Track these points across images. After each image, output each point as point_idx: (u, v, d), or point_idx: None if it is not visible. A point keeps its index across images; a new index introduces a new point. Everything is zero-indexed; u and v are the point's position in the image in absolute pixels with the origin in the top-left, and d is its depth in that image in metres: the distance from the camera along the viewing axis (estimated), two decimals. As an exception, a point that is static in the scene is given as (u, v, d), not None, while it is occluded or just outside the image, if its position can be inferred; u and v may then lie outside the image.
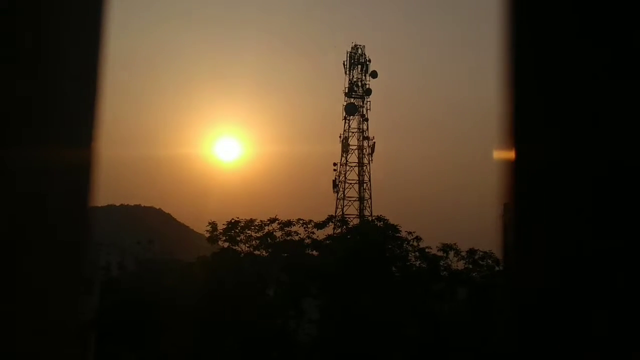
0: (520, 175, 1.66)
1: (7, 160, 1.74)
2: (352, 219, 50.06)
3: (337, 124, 64.41)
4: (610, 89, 1.69)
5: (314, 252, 34.34)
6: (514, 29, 1.75)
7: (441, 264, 33.10)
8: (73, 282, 1.84)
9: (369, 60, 62.52)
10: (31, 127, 1.75)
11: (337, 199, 61.02)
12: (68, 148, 1.71)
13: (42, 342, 2.08)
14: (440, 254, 33.12)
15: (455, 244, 33.17)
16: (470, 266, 32.69)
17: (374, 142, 62.14)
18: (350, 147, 62.11)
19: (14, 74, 1.87)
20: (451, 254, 32.96)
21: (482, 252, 32.81)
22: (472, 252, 32.77)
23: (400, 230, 34.15)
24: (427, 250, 33.49)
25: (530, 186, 1.67)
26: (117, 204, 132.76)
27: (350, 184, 61.65)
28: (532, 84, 1.72)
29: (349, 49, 62.53)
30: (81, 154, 1.75)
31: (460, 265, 33.05)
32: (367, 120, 62.10)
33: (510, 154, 1.67)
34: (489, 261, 32.81)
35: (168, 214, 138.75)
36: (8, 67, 1.87)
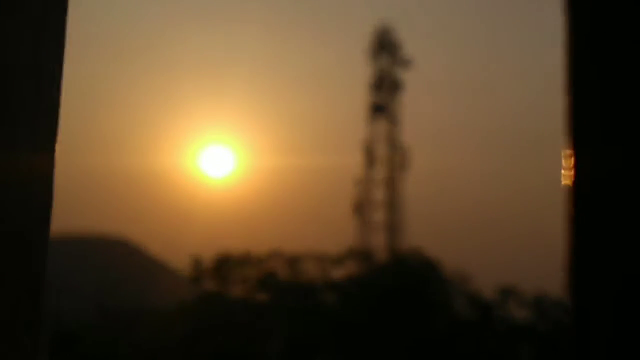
0: (578, 193, 1.74)
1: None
2: (379, 252, 50.15)
3: (358, 129, 64.54)
4: None
5: (330, 297, 34.41)
6: (572, 26, 1.88)
7: (497, 313, 33.07)
8: (24, 335, 1.79)
9: (401, 46, 62.89)
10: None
11: (360, 226, 61.19)
12: (22, 154, 1.70)
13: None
14: (496, 299, 33.08)
15: (514, 286, 33.10)
16: (536, 317, 32.62)
17: (407, 152, 62.44)
18: (377, 158, 62.38)
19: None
20: (511, 300, 32.90)
21: (551, 299, 32.65)
22: (539, 299, 32.63)
23: (443, 269, 34.19)
24: (479, 295, 33.48)
25: (590, 205, 1.74)
26: (71, 233, 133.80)
27: (377, 206, 61.84)
28: (594, 87, 1.84)
29: (374, 31, 62.92)
30: (38, 163, 1.73)
31: (521, 314, 33.00)
32: (398, 123, 62.38)
33: (570, 166, 1.76)
34: (558, 311, 32.66)
35: (137, 245, 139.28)
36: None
